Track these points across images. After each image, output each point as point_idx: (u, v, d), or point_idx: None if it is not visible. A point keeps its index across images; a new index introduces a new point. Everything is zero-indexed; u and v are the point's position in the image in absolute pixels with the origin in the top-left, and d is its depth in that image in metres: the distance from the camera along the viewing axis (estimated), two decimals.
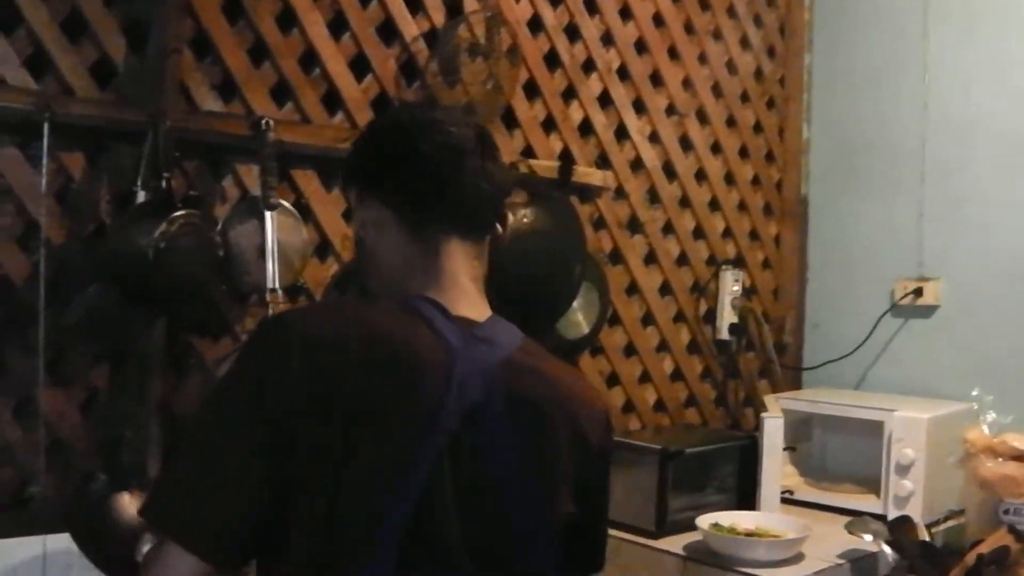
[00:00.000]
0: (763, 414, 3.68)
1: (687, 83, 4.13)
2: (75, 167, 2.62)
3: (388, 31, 3.19)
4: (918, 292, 4.20)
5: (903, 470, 3.59)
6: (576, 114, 3.72)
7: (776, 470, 3.61)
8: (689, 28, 4.13)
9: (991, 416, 3.44)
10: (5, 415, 2.55)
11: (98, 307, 2.58)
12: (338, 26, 3.08)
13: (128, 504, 2.53)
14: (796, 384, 4.54)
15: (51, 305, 2.49)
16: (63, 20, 2.60)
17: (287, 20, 2.97)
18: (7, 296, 2.52)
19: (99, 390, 2.69)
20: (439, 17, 3.28)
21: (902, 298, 4.23)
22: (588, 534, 1.86)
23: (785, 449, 3.81)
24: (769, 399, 3.95)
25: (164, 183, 2.55)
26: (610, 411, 1.92)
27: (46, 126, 2.47)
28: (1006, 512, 3.26)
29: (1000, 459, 3.31)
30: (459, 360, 1.64)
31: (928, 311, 4.22)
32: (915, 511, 3.49)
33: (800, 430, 4.12)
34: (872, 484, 3.75)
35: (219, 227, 2.73)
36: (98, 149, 2.65)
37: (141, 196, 2.57)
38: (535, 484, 1.68)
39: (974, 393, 3.59)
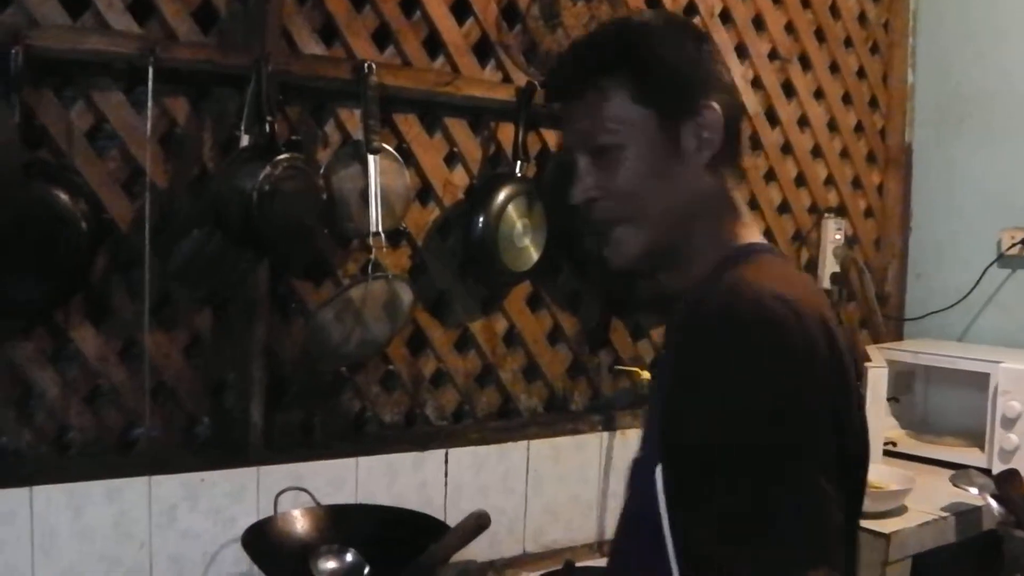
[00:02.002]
0: (866, 364, 3.62)
1: (790, 27, 4.05)
2: (179, 111, 2.62)
3: None
4: None
5: (1009, 423, 3.52)
6: None
7: (878, 421, 3.55)
8: None
9: None
10: (111, 358, 2.58)
11: (202, 251, 2.59)
12: None
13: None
14: (898, 335, 4.47)
15: (156, 249, 2.51)
16: None
17: None
18: (113, 240, 2.54)
19: (203, 334, 2.71)
20: None
21: (1009, 248, 4.12)
22: None
23: (888, 400, 3.76)
24: (872, 349, 3.89)
25: (267, 127, 2.54)
26: None
27: (150, 70, 2.48)
28: None
29: None
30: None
31: None
32: (1021, 465, 3.41)
33: (902, 381, 4.06)
34: (976, 437, 3.68)
35: (322, 171, 2.72)
36: (201, 94, 2.65)
37: (244, 140, 2.57)
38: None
39: None
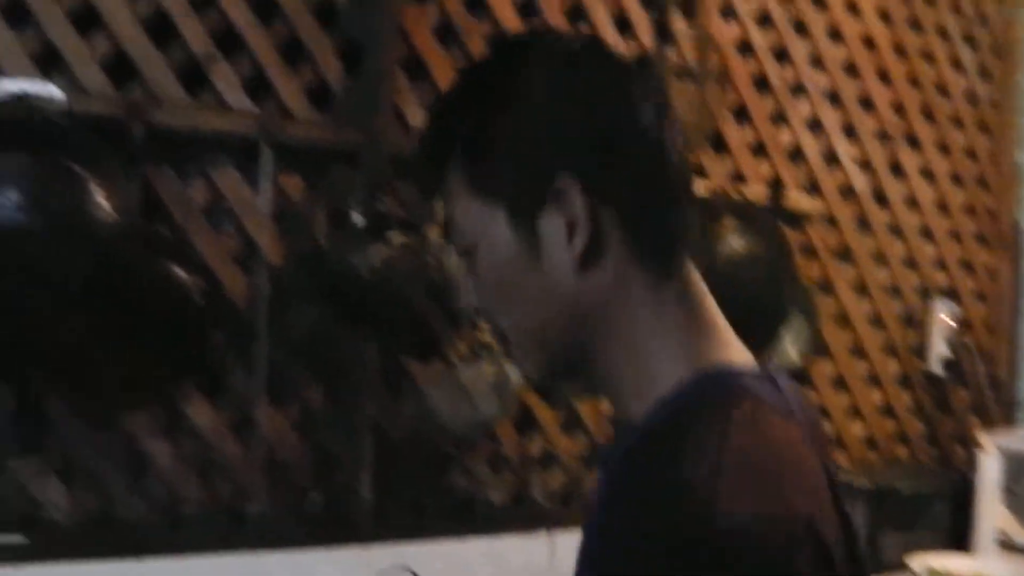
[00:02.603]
0: (979, 453, 3.54)
1: (898, 106, 4.01)
2: (293, 188, 2.66)
3: None
4: None
5: None
6: (786, 138, 3.65)
7: (992, 512, 3.47)
8: (900, 50, 4.01)
9: None
10: (224, 432, 2.60)
11: (315, 327, 2.60)
12: None
13: None
14: (1011, 421, 4.35)
15: (269, 325, 2.53)
16: (281, 44, 2.65)
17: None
18: (228, 315, 2.56)
19: (314, 409, 2.72)
20: (647, 40, 3.25)
21: None
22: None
23: (1001, 489, 3.66)
24: (985, 437, 3.80)
25: (380, 204, 2.57)
26: None
27: (266, 148, 2.52)
28: None
29: None
30: (813, 442, 1.15)
31: None
32: None
33: (1015, 470, 3.94)
34: None
35: (433, 250, 2.73)
36: (315, 170, 2.68)
37: (357, 217, 2.60)
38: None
39: None
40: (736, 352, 1.17)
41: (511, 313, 1.21)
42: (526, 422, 3.07)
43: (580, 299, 1.15)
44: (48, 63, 2.41)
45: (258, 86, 2.63)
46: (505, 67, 1.21)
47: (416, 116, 2.82)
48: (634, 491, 1.03)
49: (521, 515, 3.04)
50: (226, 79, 2.58)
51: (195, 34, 2.54)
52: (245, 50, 2.61)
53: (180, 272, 2.44)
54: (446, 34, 2.91)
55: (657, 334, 1.15)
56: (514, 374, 2.83)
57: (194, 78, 2.56)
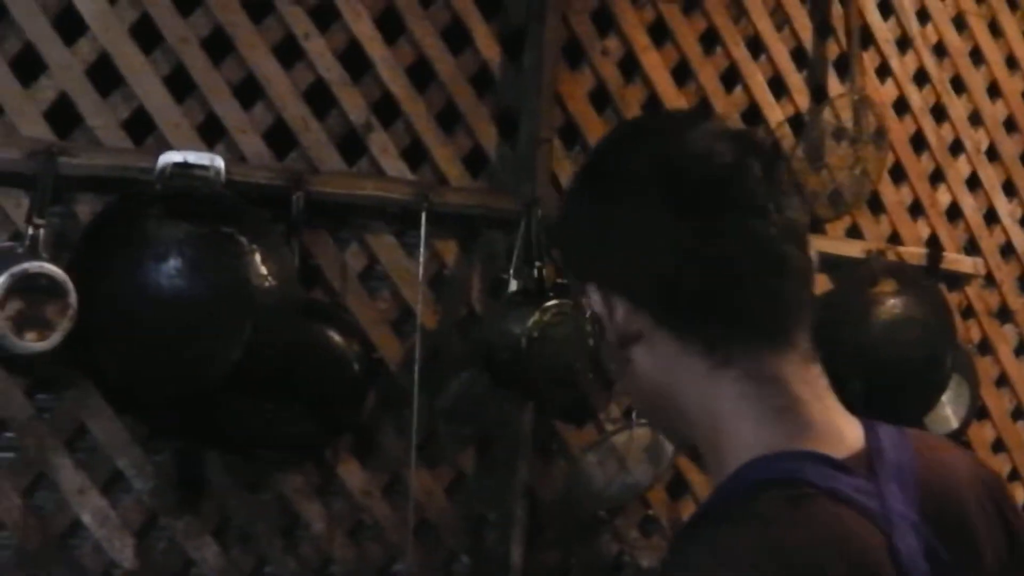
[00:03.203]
0: None
1: None
2: (448, 254, 2.69)
3: (753, 116, 3.16)
4: None
5: None
6: (944, 197, 3.57)
7: None
8: None
9: None
10: (375, 493, 2.62)
11: (469, 392, 2.63)
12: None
13: None
14: None
15: (423, 388, 2.55)
16: (438, 112, 2.69)
17: (653, 108, 2.97)
18: (383, 378, 2.60)
19: (466, 472, 2.74)
20: (804, 101, 3.23)
21: None
22: None
23: None
24: None
25: (536, 271, 2.58)
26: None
27: (423, 215, 2.55)
28: None
29: None
30: (895, 532, 1.08)
31: None
32: None
33: None
34: None
35: (588, 315, 2.73)
36: (471, 236, 2.71)
37: (513, 284, 2.62)
38: None
39: None
40: (817, 434, 1.11)
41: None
42: (678, 486, 3.04)
43: (639, 377, 1.18)
44: (211, 133, 2.48)
45: (415, 154, 2.66)
46: (583, 187, 1.23)
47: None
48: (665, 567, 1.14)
49: None
50: (383, 147, 2.62)
51: (353, 104, 2.59)
52: (402, 118, 2.65)
53: (337, 336, 2.48)
54: (601, 100, 2.91)
55: (719, 420, 1.13)
56: (666, 439, 2.82)
57: (352, 146, 2.61)
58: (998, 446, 3.74)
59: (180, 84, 2.45)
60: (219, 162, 2.35)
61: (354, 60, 2.62)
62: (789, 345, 1.12)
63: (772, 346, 1.12)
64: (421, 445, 2.62)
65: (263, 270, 2.35)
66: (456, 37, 2.73)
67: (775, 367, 1.12)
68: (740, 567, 0.99)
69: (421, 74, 2.69)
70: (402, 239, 2.64)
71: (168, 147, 2.37)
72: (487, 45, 2.74)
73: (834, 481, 1.07)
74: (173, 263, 2.28)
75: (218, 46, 2.48)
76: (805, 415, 1.12)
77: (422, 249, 2.55)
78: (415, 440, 2.55)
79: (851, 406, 1.18)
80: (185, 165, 2.32)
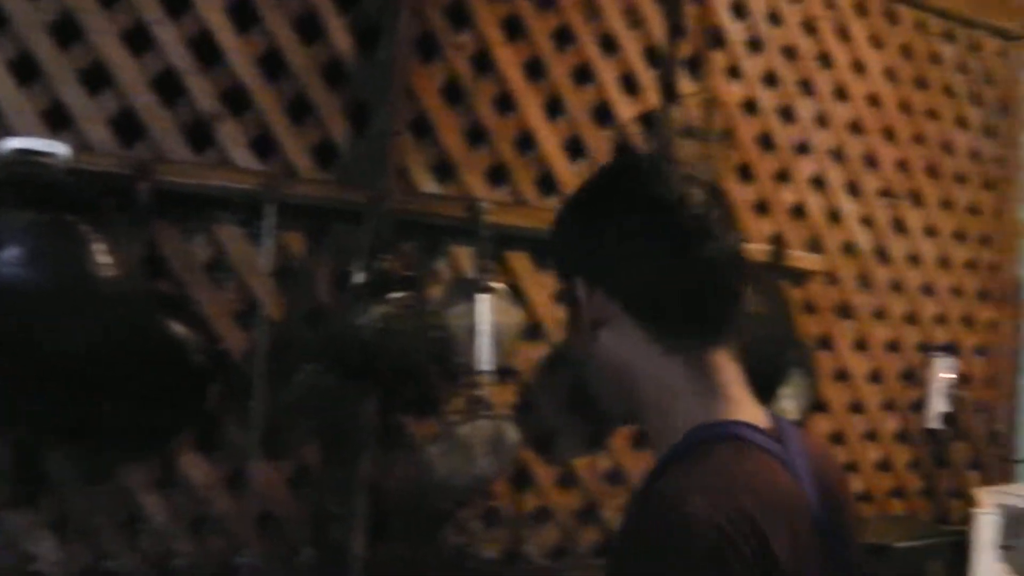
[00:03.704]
0: (975, 509, 3.54)
1: (902, 164, 4.03)
2: (296, 246, 2.67)
3: (603, 113, 3.20)
4: None
5: None
6: (789, 196, 3.66)
7: (989, 569, 3.47)
8: (905, 108, 4.04)
9: None
10: (219, 486, 2.61)
11: (314, 385, 2.62)
12: (554, 109, 3.10)
13: None
14: (1008, 477, 4.36)
15: (268, 381, 2.54)
16: (288, 103, 2.67)
17: (504, 103, 3.00)
18: (227, 370, 2.58)
19: (309, 465, 2.73)
20: (654, 99, 3.27)
21: None
22: None
23: (1000, 548, 3.67)
24: (982, 493, 3.81)
25: (382, 264, 2.59)
26: None
27: (270, 206, 2.53)
28: None
29: None
30: (803, 482, 1.44)
31: None
32: None
33: (1013, 526, 3.95)
34: None
35: (433, 308, 2.75)
36: (319, 229, 2.70)
37: (359, 276, 2.61)
38: None
39: None
40: (744, 412, 1.45)
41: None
42: (521, 478, 3.08)
43: (619, 366, 1.48)
44: (56, 121, 2.43)
45: (265, 145, 2.64)
46: (571, 207, 1.55)
47: (421, 176, 2.84)
48: (634, 505, 1.42)
49: (514, 571, 3.05)
50: (232, 137, 2.59)
51: (202, 92, 2.56)
52: (252, 108, 2.63)
53: (179, 327, 2.45)
54: (453, 94, 2.92)
55: (671, 396, 1.45)
56: (510, 431, 2.85)
57: (201, 136, 2.58)
58: (837, 438, 3.85)
59: (25, 70, 2.40)
60: (63, 149, 2.29)
61: (205, 48, 2.58)
62: (723, 343, 1.46)
63: (713, 341, 1.45)
64: (265, 438, 2.60)
65: (107, 260, 2.31)
66: (309, 28, 2.71)
67: (713, 357, 1.45)
68: (700, 487, 1.33)
69: (273, 64, 2.67)
70: (250, 230, 2.61)
71: (11, 134, 2.31)
72: (340, 37, 2.73)
73: (763, 442, 1.43)
74: (13, 251, 2.23)
75: (65, 31, 2.43)
76: (734, 395, 1.45)
77: (268, 240, 2.53)
78: (258, 432, 2.54)
79: None
80: (27, 152, 2.27)
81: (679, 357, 1.45)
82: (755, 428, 1.44)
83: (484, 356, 2.76)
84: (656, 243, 1.43)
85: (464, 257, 2.88)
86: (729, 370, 1.47)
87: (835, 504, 1.51)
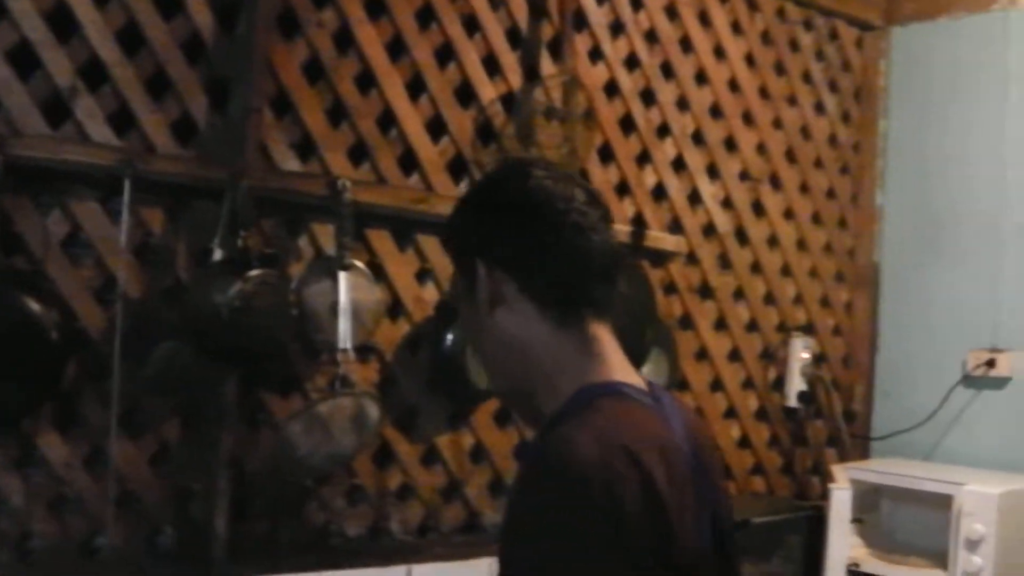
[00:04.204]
0: (831, 485, 3.64)
1: (761, 148, 4.12)
2: (154, 222, 2.65)
3: (465, 94, 3.22)
4: (991, 363, 4.13)
5: (972, 545, 3.51)
6: (650, 178, 3.73)
7: (843, 542, 3.57)
8: (764, 93, 4.13)
9: None
10: (76, 464, 2.58)
11: (173, 362, 2.60)
12: (416, 88, 3.11)
13: None
14: (865, 454, 4.48)
15: (126, 358, 2.52)
16: (147, 78, 2.65)
17: (366, 81, 3.01)
18: (83, 348, 2.55)
19: (170, 443, 2.71)
20: (516, 80, 3.31)
21: (975, 369, 4.17)
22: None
23: (853, 521, 3.77)
24: (837, 469, 3.91)
25: (241, 241, 2.58)
26: None
27: (127, 182, 2.51)
28: None
29: None
30: (676, 434, 1.62)
31: (1001, 383, 4.15)
32: None
33: (868, 500, 4.06)
34: (941, 558, 3.67)
35: (294, 285, 2.76)
36: (178, 205, 2.68)
37: (218, 253, 2.60)
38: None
39: None
40: (622, 375, 1.65)
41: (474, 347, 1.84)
42: (384, 455, 3.09)
43: (508, 340, 1.67)
44: None
45: (122, 120, 2.62)
46: (473, 197, 1.77)
47: (282, 153, 2.83)
48: (528, 457, 1.60)
49: (378, 548, 3.06)
50: (89, 112, 2.56)
51: (59, 66, 2.53)
52: (110, 83, 2.60)
53: (36, 305, 2.42)
54: (314, 72, 2.92)
55: (560, 363, 1.65)
56: (372, 408, 2.86)
57: (57, 110, 2.54)
58: (697, 416, 3.92)
59: None
60: None
61: (61, 21, 2.55)
62: (604, 318, 1.66)
63: (595, 316, 1.65)
64: (124, 415, 2.59)
65: None
66: (168, 3, 2.69)
67: (596, 330, 1.65)
68: (589, 431, 1.49)
69: (131, 39, 2.64)
70: (107, 206, 2.59)
71: None
72: (199, 12, 2.72)
73: (641, 396, 1.62)
74: None
75: None
76: (616, 362, 1.65)
77: (124, 216, 2.51)
78: (117, 410, 2.52)
79: None
80: None
81: (568, 331, 1.65)
82: (633, 387, 1.64)
83: (345, 334, 2.77)
84: (549, 234, 1.63)
85: (325, 235, 2.88)
86: (610, 342, 1.68)
87: (705, 453, 1.70)
